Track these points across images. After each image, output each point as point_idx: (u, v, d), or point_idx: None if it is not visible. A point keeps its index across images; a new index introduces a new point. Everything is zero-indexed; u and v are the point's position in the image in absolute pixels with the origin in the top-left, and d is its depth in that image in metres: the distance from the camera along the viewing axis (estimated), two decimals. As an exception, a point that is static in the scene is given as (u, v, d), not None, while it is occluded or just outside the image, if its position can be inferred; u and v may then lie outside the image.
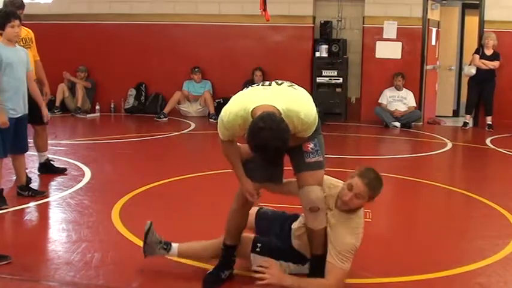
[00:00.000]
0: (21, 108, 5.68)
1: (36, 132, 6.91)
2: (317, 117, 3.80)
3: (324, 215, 3.91)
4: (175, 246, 4.25)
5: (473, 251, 4.87)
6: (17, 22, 5.57)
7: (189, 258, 4.29)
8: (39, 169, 7.04)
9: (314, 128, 3.81)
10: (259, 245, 4.13)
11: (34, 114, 6.55)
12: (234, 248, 4.08)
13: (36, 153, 7.04)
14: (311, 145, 3.88)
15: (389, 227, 5.68)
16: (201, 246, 4.24)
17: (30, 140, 6.55)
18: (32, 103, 6.38)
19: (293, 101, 3.68)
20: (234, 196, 3.99)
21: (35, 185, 6.41)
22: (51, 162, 7.13)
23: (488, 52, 11.77)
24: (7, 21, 5.55)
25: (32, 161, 7.15)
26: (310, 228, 3.92)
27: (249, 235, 4.21)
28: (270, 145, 3.44)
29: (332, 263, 3.86)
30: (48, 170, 7.03)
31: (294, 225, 4.17)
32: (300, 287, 3.86)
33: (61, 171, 7.06)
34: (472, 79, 11.95)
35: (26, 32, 6.70)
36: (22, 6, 6.74)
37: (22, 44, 6.53)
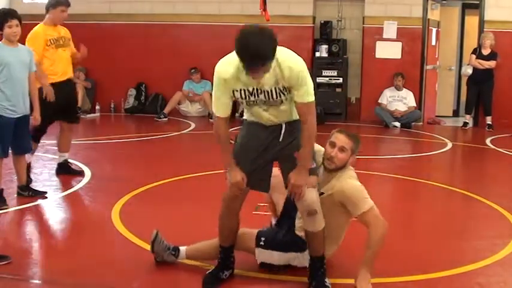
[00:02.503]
0: (20, 109, 5.65)
1: (62, 131, 6.94)
2: (306, 69, 3.66)
3: (321, 216, 3.90)
4: (183, 250, 4.26)
5: (473, 251, 4.88)
6: (14, 22, 5.56)
7: (198, 259, 4.30)
8: (57, 170, 7.01)
9: (309, 82, 3.65)
10: (262, 238, 4.13)
11: (67, 114, 6.67)
12: (231, 248, 4.08)
13: (39, 154, 7.03)
14: None
15: (389, 227, 5.66)
16: (208, 246, 4.23)
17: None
18: (68, 102, 6.56)
19: (279, 52, 3.55)
20: (221, 200, 3.98)
21: (35, 185, 6.41)
22: (69, 164, 7.12)
23: (485, 52, 11.77)
24: (4, 21, 5.53)
25: (37, 160, 7.14)
26: (309, 231, 3.91)
27: (251, 230, 4.21)
28: (252, 43, 3.35)
29: (364, 212, 3.96)
30: (65, 171, 7.01)
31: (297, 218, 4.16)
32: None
33: (78, 174, 7.02)
34: (469, 79, 11.95)
35: (64, 31, 6.78)
36: (67, 3, 6.75)
37: (62, 43, 6.63)
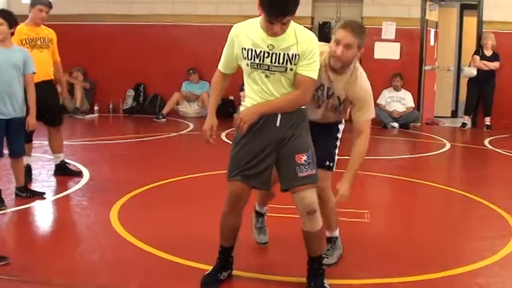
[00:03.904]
0: (9, 111, 5.59)
1: (49, 133, 6.90)
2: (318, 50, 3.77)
3: (319, 216, 3.87)
4: None
5: (472, 251, 4.88)
6: None
7: None
8: (55, 172, 7.00)
9: (317, 61, 3.73)
10: None
11: (47, 116, 6.59)
12: (231, 249, 4.06)
13: (38, 155, 7.03)
14: (304, 157, 3.78)
15: (388, 228, 5.68)
16: None
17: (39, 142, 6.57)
18: (46, 105, 6.42)
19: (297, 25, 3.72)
20: (225, 199, 3.97)
21: (34, 185, 6.40)
22: (67, 164, 7.10)
23: (488, 53, 11.79)
24: None
25: (36, 161, 7.13)
26: (307, 231, 3.88)
27: None
28: None
29: (366, 120, 4.05)
30: (63, 172, 6.99)
31: None
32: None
33: (76, 174, 7.00)
34: (471, 80, 11.97)
35: (47, 32, 6.72)
36: (46, 3, 6.68)
37: (40, 43, 6.57)
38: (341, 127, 4.38)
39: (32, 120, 5.81)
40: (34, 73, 5.89)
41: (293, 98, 3.74)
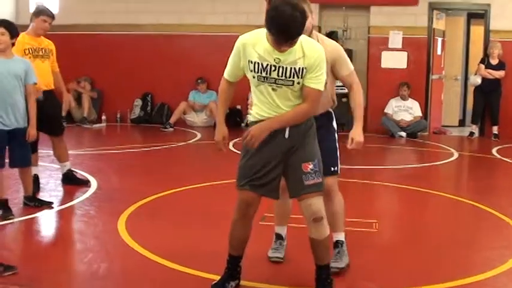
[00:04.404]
0: (11, 122, 5.60)
1: (52, 143, 6.92)
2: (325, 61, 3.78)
3: (326, 223, 3.88)
4: None
5: (480, 261, 4.85)
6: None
7: None
8: (62, 180, 7.02)
9: (324, 72, 3.74)
10: None
11: (48, 126, 6.61)
12: (239, 258, 4.05)
13: (45, 164, 7.04)
14: (311, 165, 3.81)
15: (396, 237, 5.66)
16: None
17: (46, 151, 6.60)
18: (47, 114, 6.44)
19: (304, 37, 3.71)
20: (234, 207, 3.97)
21: (41, 195, 6.41)
22: (74, 173, 7.11)
23: (494, 61, 11.77)
24: None
25: (44, 170, 7.14)
26: (314, 239, 3.88)
27: None
28: (284, 9, 3.44)
29: (352, 72, 4.28)
30: (70, 181, 7.00)
31: None
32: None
33: (83, 183, 7.01)
34: (477, 89, 11.95)
35: (47, 43, 6.75)
36: (50, 14, 6.71)
37: (42, 54, 6.60)
38: (332, 111, 4.51)
39: (32, 131, 5.77)
40: (35, 83, 5.89)
41: (301, 111, 3.76)
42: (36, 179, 6.56)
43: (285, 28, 3.46)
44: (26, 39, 6.53)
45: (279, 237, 4.67)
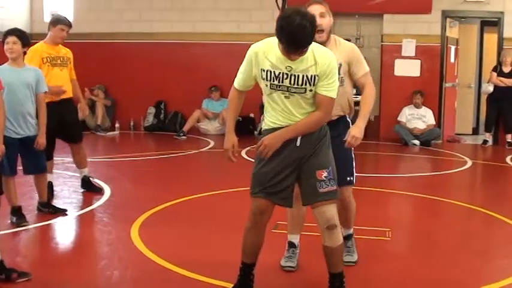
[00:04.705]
0: (23, 130, 5.64)
1: (72, 150, 6.99)
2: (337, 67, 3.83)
3: (340, 231, 3.89)
4: None
5: (495, 270, 4.82)
6: (12, 38, 5.56)
7: None
8: (82, 185, 7.10)
9: (336, 79, 3.77)
10: None
11: (67, 133, 6.70)
12: (252, 266, 4.05)
13: (59, 172, 7.08)
14: (325, 173, 3.81)
15: (409, 246, 5.64)
16: None
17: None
18: (66, 122, 6.57)
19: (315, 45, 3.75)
20: (248, 215, 3.97)
21: (55, 202, 6.45)
22: (91, 179, 7.16)
23: (506, 69, 11.73)
24: (4, 38, 5.56)
25: (57, 177, 7.17)
26: (328, 247, 3.89)
27: None
28: (293, 18, 3.47)
29: (367, 73, 4.42)
30: (86, 187, 7.07)
31: None
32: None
33: (98, 191, 7.05)
34: (490, 96, 11.91)
35: (65, 51, 6.81)
36: (67, 22, 6.77)
37: (60, 62, 6.66)
38: (349, 120, 4.54)
39: (41, 139, 5.77)
40: (46, 92, 5.91)
41: (315, 119, 3.78)
42: (50, 186, 6.60)
43: (293, 37, 3.48)
44: (44, 48, 6.61)
45: (291, 245, 4.67)
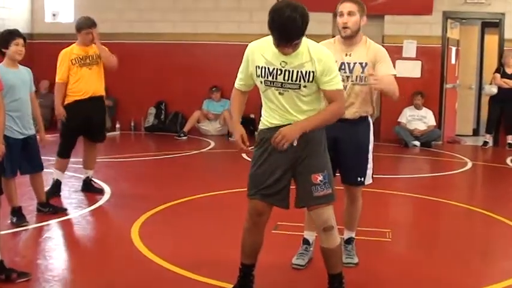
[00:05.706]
0: (27, 130, 5.65)
1: (87, 148, 7.04)
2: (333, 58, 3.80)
3: (337, 233, 3.88)
4: None
5: (496, 271, 4.82)
6: (21, 40, 5.60)
7: None
8: (82, 186, 7.11)
9: (336, 71, 3.76)
10: None
11: (91, 131, 6.86)
12: (252, 267, 4.04)
13: (49, 172, 7.08)
14: (320, 177, 3.78)
15: (409, 247, 5.63)
16: None
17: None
18: (93, 120, 6.77)
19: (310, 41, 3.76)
20: (246, 214, 3.97)
21: (55, 202, 6.44)
22: (92, 181, 7.17)
23: (509, 71, 11.73)
24: (12, 39, 5.57)
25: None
26: (326, 248, 3.89)
27: None
28: (283, 11, 3.49)
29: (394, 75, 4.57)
30: (87, 188, 7.09)
31: None
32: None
33: (98, 192, 7.06)
34: (492, 98, 11.90)
35: (94, 49, 6.92)
36: (88, 26, 6.88)
37: (89, 61, 6.81)
38: (371, 120, 4.58)
39: (43, 134, 5.89)
40: (36, 91, 6.02)
41: (332, 111, 3.78)
42: (58, 184, 6.78)
43: (284, 29, 3.51)
44: (74, 50, 6.82)
45: (305, 242, 4.71)
